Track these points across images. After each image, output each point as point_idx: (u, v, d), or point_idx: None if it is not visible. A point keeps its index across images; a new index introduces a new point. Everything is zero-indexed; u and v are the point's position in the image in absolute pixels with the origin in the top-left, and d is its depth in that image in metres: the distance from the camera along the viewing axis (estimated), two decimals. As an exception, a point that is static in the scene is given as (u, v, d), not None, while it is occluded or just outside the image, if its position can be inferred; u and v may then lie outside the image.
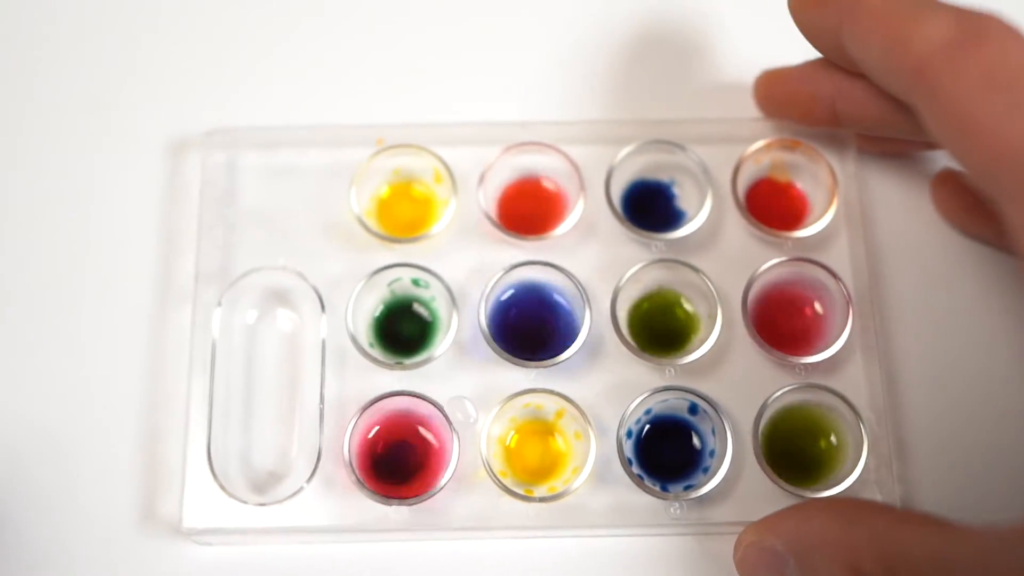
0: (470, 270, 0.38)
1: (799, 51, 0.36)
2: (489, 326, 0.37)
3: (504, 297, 0.38)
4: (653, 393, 0.36)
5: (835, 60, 0.35)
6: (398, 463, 0.36)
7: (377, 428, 0.36)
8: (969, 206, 0.37)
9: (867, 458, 0.35)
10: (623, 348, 0.37)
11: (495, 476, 0.35)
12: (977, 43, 0.29)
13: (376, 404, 0.36)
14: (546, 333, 0.37)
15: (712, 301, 0.37)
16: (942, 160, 0.39)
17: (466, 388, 0.37)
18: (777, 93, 0.38)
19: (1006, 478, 0.36)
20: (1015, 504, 0.31)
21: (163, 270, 0.39)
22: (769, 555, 0.32)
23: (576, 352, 0.36)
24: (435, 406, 0.36)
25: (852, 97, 0.35)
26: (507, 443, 0.36)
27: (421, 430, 0.36)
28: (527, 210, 0.39)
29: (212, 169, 0.39)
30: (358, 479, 0.35)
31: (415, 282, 0.38)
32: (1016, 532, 0.26)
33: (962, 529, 0.28)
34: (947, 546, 0.27)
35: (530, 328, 0.37)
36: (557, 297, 0.38)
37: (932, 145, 0.36)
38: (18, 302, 0.39)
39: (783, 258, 0.37)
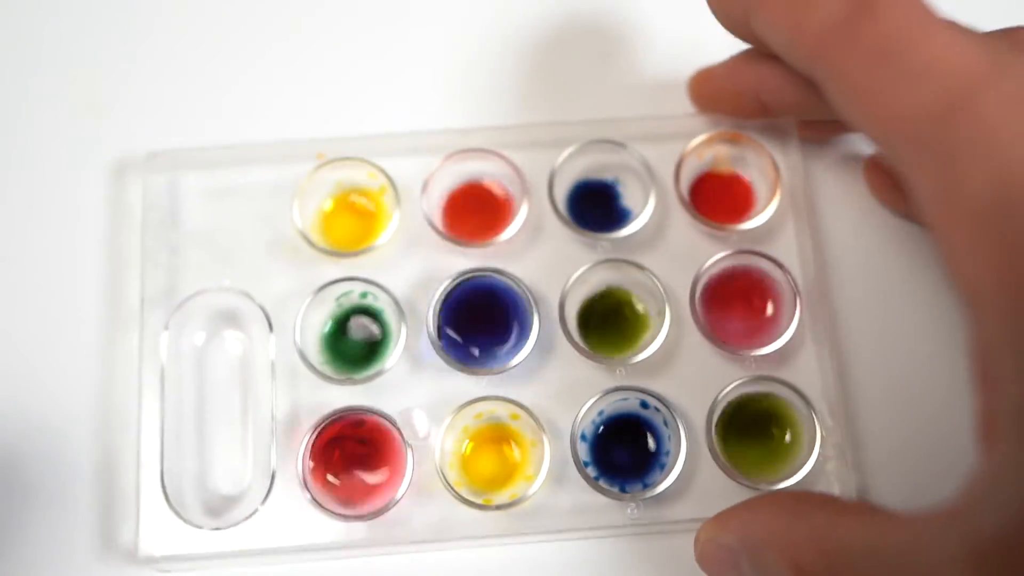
0: (418, 280, 0.38)
1: (732, 42, 0.36)
2: (438, 336, 0.37)
3: (452, 306, 0.37)
4: (604, 395, 0.36)
5: (759, 48, 0.35)
6: (354, 478, 0.36)
7: (330, 445, 0.36)
8: (895, 185, 0.37)
9: (822, 448, 0.35)
10: (574, 350, 0.36)
11: (450, 487, 0.35)
12: (867, 15, 0.29)
13: (328, 421, 0.36)
14: (496, 339, 0.37)
15: (660, 299, 0.37)
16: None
17: (419, 399, 0.37)
18: (706, 92, 0.38)
19: (961, 461, 0.36)
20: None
21: (108, 295, 0.38)
22: (725, 551, 0.32)
23: (527, 357, 0.36)
24: (387, 420, 0.36)
25: (774, 87, 0.35)
26: (462, 452, 0.36)
27: (374, 444, 0.36)
28: (473, 216, 0.39)
29: (154, 191, 0.39)
30: (313, 498, 0.35)
31: (363, 295, 0.38)
32: (940, 517, 0.26)
33: (894, 517, 0.28)
34: (880, 536, 0.27)
35: (480, 335, 0.37)
36: (506, 303, 0.37)
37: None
38: (-38, 334, 0.38)
39: (728, 251, 0.37)
